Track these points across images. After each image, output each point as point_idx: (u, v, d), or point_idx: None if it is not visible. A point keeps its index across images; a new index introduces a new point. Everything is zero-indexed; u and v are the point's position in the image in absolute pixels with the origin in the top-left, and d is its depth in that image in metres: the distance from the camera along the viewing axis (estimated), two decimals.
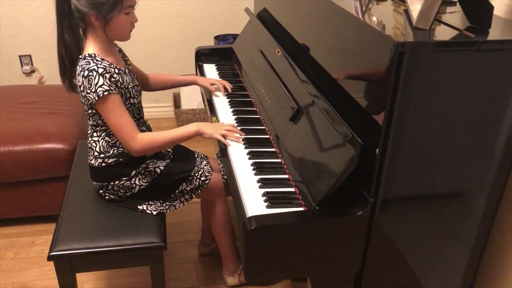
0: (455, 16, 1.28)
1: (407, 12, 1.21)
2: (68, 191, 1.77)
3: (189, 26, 3.22)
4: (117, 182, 1.63)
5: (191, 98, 3.22)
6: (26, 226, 2.31)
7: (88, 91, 1.47)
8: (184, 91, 3.23)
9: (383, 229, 1.25)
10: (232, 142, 1.60)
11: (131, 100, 1.61)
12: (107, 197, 1.68)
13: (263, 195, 1.34)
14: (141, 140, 1.54)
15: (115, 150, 1.62)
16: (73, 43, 1.54)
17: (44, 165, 2.14)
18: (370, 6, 1.45)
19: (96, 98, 1.47)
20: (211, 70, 2.24)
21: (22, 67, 3.11)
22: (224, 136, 1.61)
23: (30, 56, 3.09)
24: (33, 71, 3.14)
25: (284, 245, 1.21)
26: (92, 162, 1.65)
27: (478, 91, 1.09)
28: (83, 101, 1.54)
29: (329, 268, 1.29)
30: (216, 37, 3.18)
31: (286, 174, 1.45)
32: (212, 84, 1.99)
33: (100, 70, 1.47)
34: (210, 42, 3.21)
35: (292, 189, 1.38)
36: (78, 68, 1.50)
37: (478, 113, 1.13)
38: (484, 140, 1.17)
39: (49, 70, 3.17)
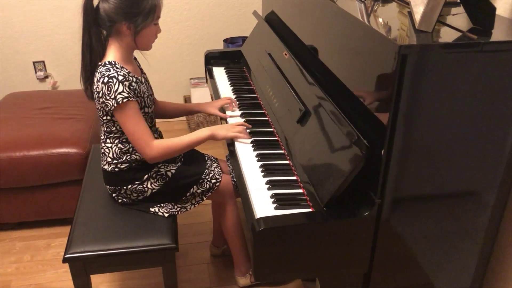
0: (459, 17, 1.29)
1: (411, 14, 1.22)
2: (82, 195, 1.81)
3: (199, 30, 3.25)
4: (129, 186, 1.67)
5: (201, 101, 3.25)
6: (42, 229, 2.37)
7: (107, 97, 1.51)
8: (195, 94, 3.27)
9: (391, 229, 1.26)
10: (242, 144, 1.63)
11: (146, 109, 1.64)
12: (120, 201, 1.72)
13: (272, 196, 1.36)
14: (157, 147, 1.58)
15: (128, 157, 1.66)
16: (100, 51, 1.58)
17: (59, 169, 2.19)
18: (375, 8, 1.47)
19: (115, 105, 1.50)
20: (220, 73, 2.27)
21: (36, 73, 3.17)
22: (236, 136, 1.65)
23: (43, 62, 3.15)
24: (46, 77, 3.21)
25: (292, 246, 1.23)
26: (105, 167, 1.69)
27: (483, 92, 1.10)
28: (100, 107, 1.57)
29: (337, 269, 1.30)
30: (225, 40, 3.20)
31: (294, 175, 1.47)
32: (220, 107, 1.92)
33: (120, 78, 1.50)
34: (219, 45, 3.24)
35: (300, 191, 1.40)
36: (97, 75, 1.53)
37: (483, 112, 1.13)
38: (489, 139, 1.18)
39: (62, 76, 3.23)
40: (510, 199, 1.39)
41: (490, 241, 1.36)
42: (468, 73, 1.07)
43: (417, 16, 1.12)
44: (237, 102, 1.95)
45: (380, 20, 1.35)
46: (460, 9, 1.28)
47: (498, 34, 1.13)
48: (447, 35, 1.15)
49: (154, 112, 1.74)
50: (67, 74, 3.22)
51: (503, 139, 1.18)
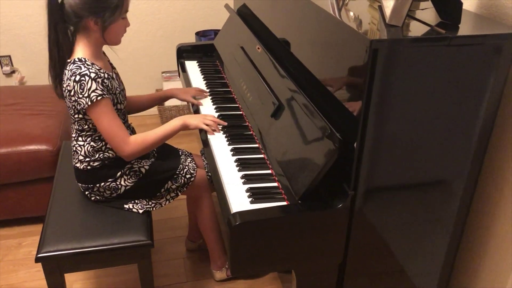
0: (428, 11, 1.31)
1: (381, 9, 1.24)
2: (54, 192, 1.78)
3: (170, 23, 3.22)
4: (102, 183, 1.65)
5: None
6: (12, 228, 2.31)
7: (80, 96, 1.47)
8: (167, 87, 3.22)
9: (364, 220, 1.29)
10: (216, 139, 1.63)
11: (118, 106, 1.61)
12: (93, 198, 1.69)
13: (247, 190, 1.37)
14: (134, 142, 1.56)
15: (101, 155, 1.63)
16: (67, 47, 1.53)
17: (29, 166, 2.14)
18: (346, 1, 1.48)
19: (89, 103, 1.47)
20: (193, 67, 2.26)
21: (2, 68, 3.08)
22: (209, 126, 1.66)
23: (9, 56, 3.06)
24: (13, 72, 3.12)
25: (268, 239, 1.24)
26: (77, 165, 1.66)
27: (451, 84, 1.13)
28: (71, 105, 1.53)
29: (312, 260, 1.32)
30: (198, 33, 3.18)
31: (269, 169, 1.48)
32: (194, 96, 1.93)
33: (92, 75, 1.47)
34: (192, 38, 3.22)
35: (275, 184, 1.41)
36: (68, 73, 1.49)
37: (452, 104, 1.17)
38: (458, 130, 1.21)
39: (30, 70, 3.14)
40: (477, 188, 1.44)
41: (460, 228, 1.40)
42: (437, 66, 1.10)
43: (388, 11, 1.14)
44: (210, 96, 1.94)
45: (351, 14, 1.36)
46: (429, 4, 1.30)
47: (465, 29, 1.16)
48: (416, 30, 1.18)
49: (126, 108, 1.72)
50: (35, 69, 3.14)
51: (470, 130, 1.22)
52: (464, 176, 1.30)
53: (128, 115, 1.79)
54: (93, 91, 1.47)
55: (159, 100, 2.02)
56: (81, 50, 1.53)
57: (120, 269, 2.07)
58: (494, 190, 1.42)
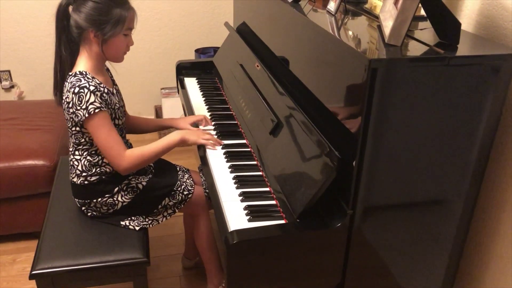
0: (426, 32, 1.33)
1: (380, 28, 1.25)
2: (50, 208, 1.76)
3: (170, 40, 3.24)
4: (99, 199, 1.63)
5: (172, 111, 3.24)
6: (6, 244, 2.29)
7: (78, 108, 1.48)
8: (166, 104, 3.25)
9: (362, 239, 1.28)
10: (214, 155, 1.62)
11: (116, 121, 1.61)
12: (89, 214, 1.68)
13: (245, 208, 1.36)
14: (130, 157, 1.56)
15: (98, 169, 1.62)
16: (68, 59, 1.56)
17: (25, 182, 2.12)
18: (345, 21, 1.49)
19: (87, 115, 1.48)
20: (192, 84, 2.26)
21: (1, 82, 3.09)
22: (207, 144, 1.67)
23: (9, 71, 3.07)
24: (12, 87, 3.12)
25: (266, 258, 1.23)
26: (74, 180, 1.65)
27: (449, 104, 1.14)
28: (69, 117, 1.54)
29: (310, 280, 1.31)
30: (197, 50, 3.20)
31: (267, 187, 1.47)
32: (192, 123, 1.87)
33: (92, 88, 1.48)
34: (191, 55, 3.24)
35: (273, 202, 1.40)
36: (68, 85, 1.51)
37: (450, 124, 1.17)
38: (456, 150, 1.21)
39: (28, 85, 3.15)
40: (477, 207, 1.44)
41: (459, 247, 1.39)
42: (435, 85, 1.10)
43: (387, 30, 1.15)
44: (209, 113, 1.94)
45: (350, 33, 1.38)
46: (427, 24, 1.32)
47: (463, 49, 1.17)
48: (415, 49, 1.19)
49: (124, 125, 1.72)
50: (33, 84, 3.14)
51: (469, 150, 1.22)
52: (463, 195, 1.30)
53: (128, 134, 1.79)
54: (91, 103, 1.47)
55: (159, 127, 2.01)
56: (82, 63, 1.54)
57: (115, 286, 2.04)
58: (493, 209, 1.41)
